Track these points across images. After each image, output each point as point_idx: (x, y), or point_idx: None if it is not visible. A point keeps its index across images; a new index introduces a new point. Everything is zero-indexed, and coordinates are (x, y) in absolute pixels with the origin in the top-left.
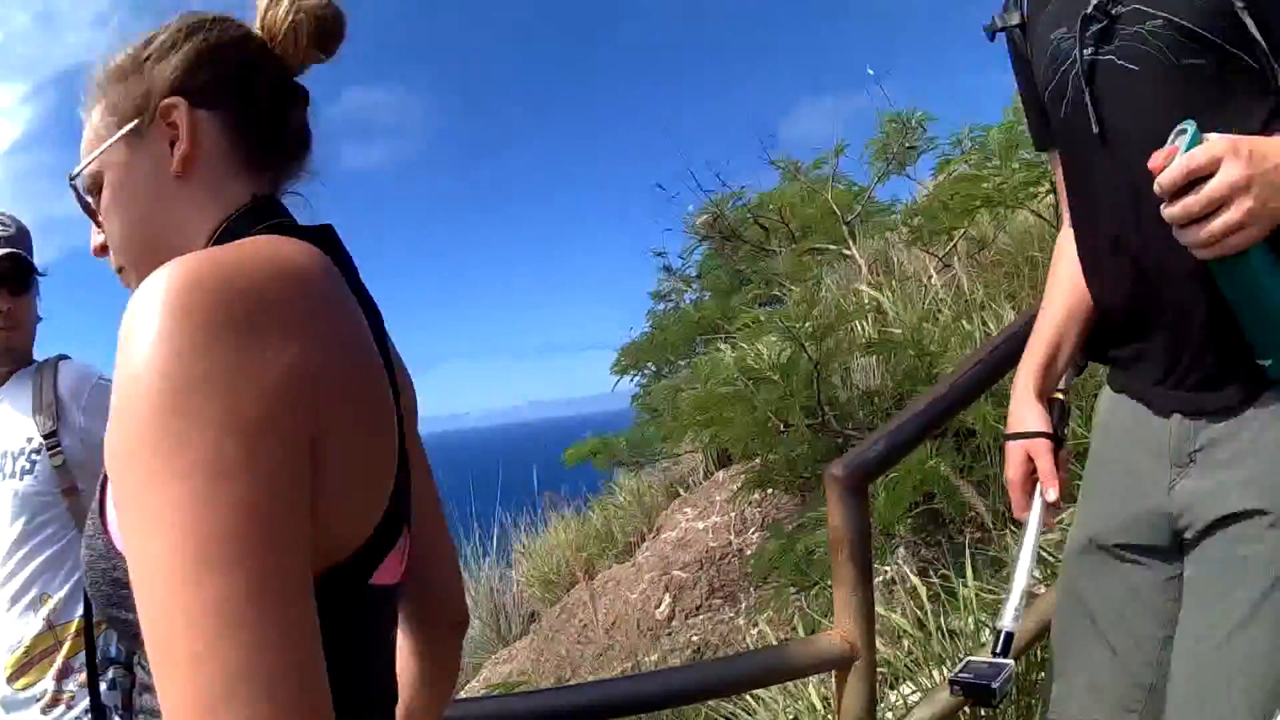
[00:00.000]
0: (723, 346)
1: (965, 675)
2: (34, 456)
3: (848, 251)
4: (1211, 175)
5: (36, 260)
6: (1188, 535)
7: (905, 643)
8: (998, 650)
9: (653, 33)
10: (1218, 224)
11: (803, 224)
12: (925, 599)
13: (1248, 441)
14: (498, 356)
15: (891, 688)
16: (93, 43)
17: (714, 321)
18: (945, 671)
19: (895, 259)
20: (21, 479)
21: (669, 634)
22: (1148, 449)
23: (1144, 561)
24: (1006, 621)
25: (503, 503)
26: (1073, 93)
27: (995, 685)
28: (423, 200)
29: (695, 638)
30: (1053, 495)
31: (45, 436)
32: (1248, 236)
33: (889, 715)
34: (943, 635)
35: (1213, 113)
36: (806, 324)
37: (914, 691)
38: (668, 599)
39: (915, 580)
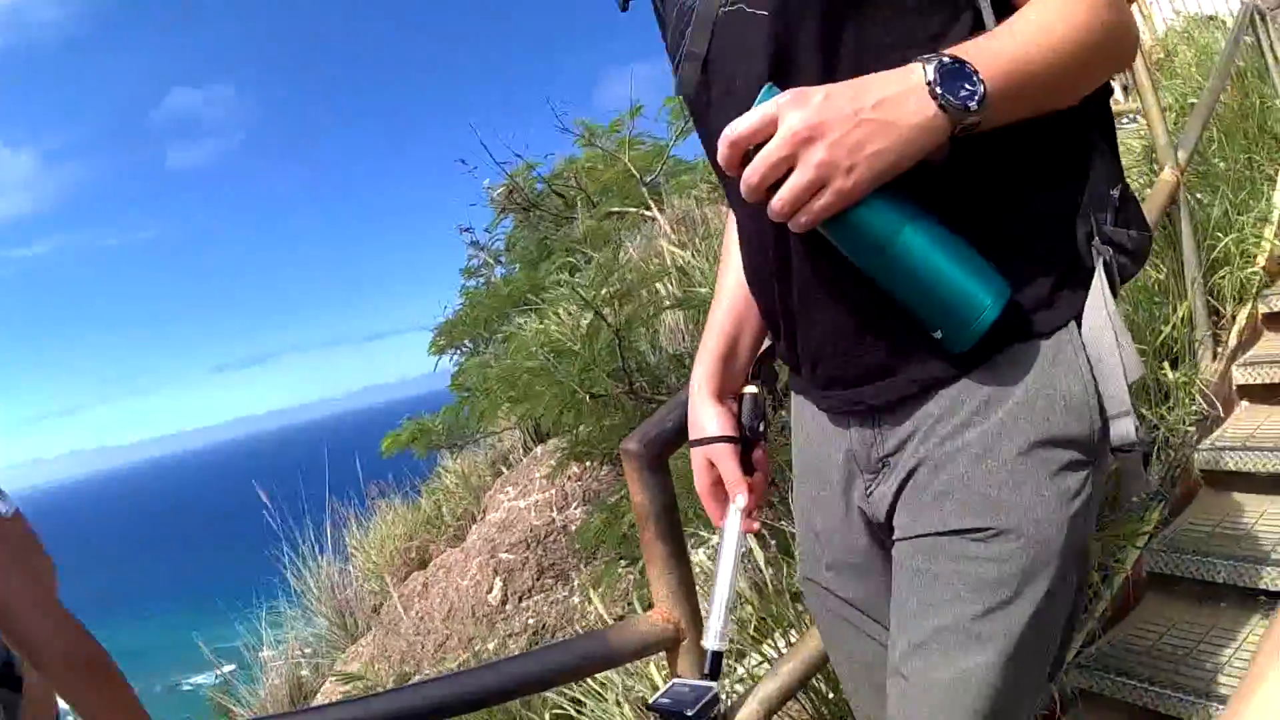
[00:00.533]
0: (524, 321)
1: (664, 701)
2: None
3: (649, 213)
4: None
5: None
6: (891, 544)
7: (747, 609)
8: (706, 672)
9: (463, 19)
10: (785, 190)
11: (602, 188)
12: (763, 563)
13: (937, 443)
14: (331, 347)
15: (738, 660)
16: None
17: (523, 294)
18: (790, 637)
19: (700, 216)
20: None
21: (504, 618)
22: (834, 456)
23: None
24: (710, 641)
25: (334, 495)
26: (689, 51)
27: (691, 713)
28: (246, 198)
29: (531, 620)
30: (742, 502)
31: None
32: (838, 194)
33: (738, 689)
34: (784, 598)
35: (859, 44)
36: (604, 290)
37: (760, 662)
38: (499, 583)
39: (753, 543)
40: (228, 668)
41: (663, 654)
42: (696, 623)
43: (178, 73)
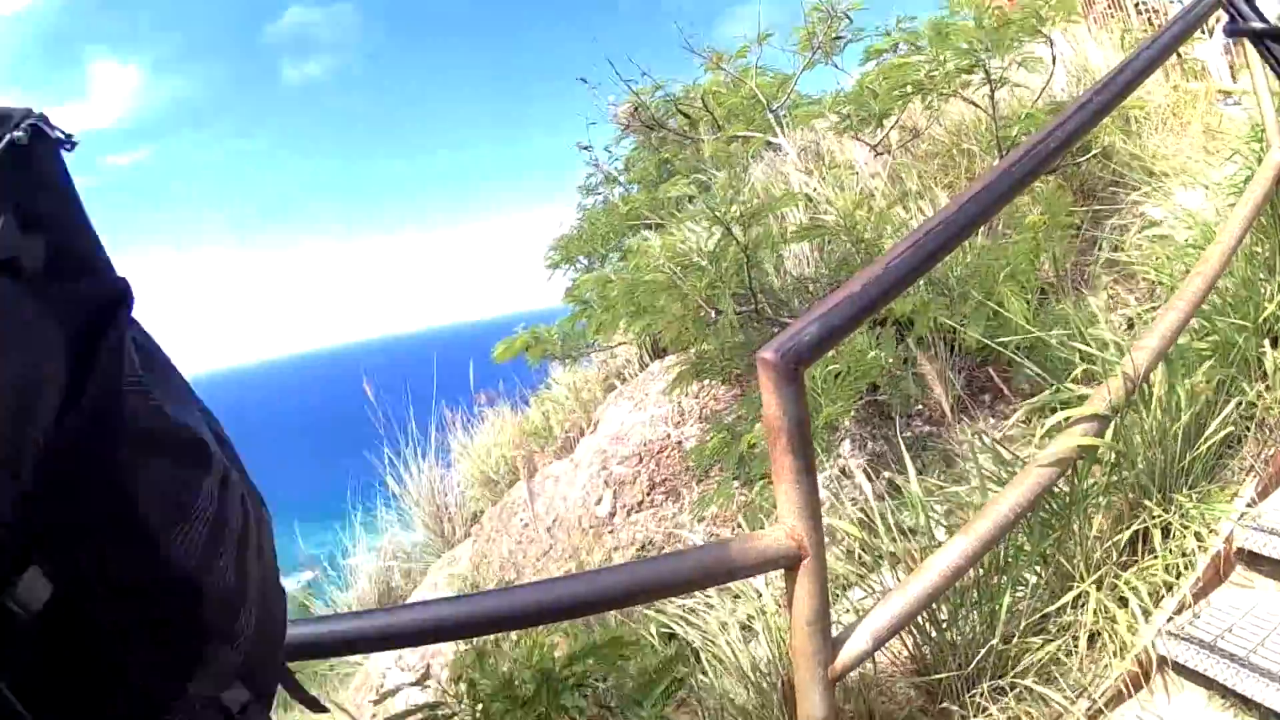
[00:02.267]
0: (650, 235)
1: None
2: None
3: (775, 139)
4: None
5: None
6: None
7: (853, 542)
8: None
9: None
10: None
11: (728, 113)
12: (872, 496)
13: None
14: (440, 264)
15: (844, 590)
16: None
17: (642, 212)
18: (899, 572)
19: (825, 148)
20: None
21: (611, 532)
22: None
23: None
24: None
25: (440, 402)
26: None
27: None
28: (358, 114)
29: (639, 535)
30: None
31: None
32: None
33: (844, 618)
34: (894, 534)
35: None
36: (733, 208)
37: (865, 595)
38: (608, 495)
39: (861, 476)
40: (306, 575)
41: (778, 573)
42: (819, 542)
43: None
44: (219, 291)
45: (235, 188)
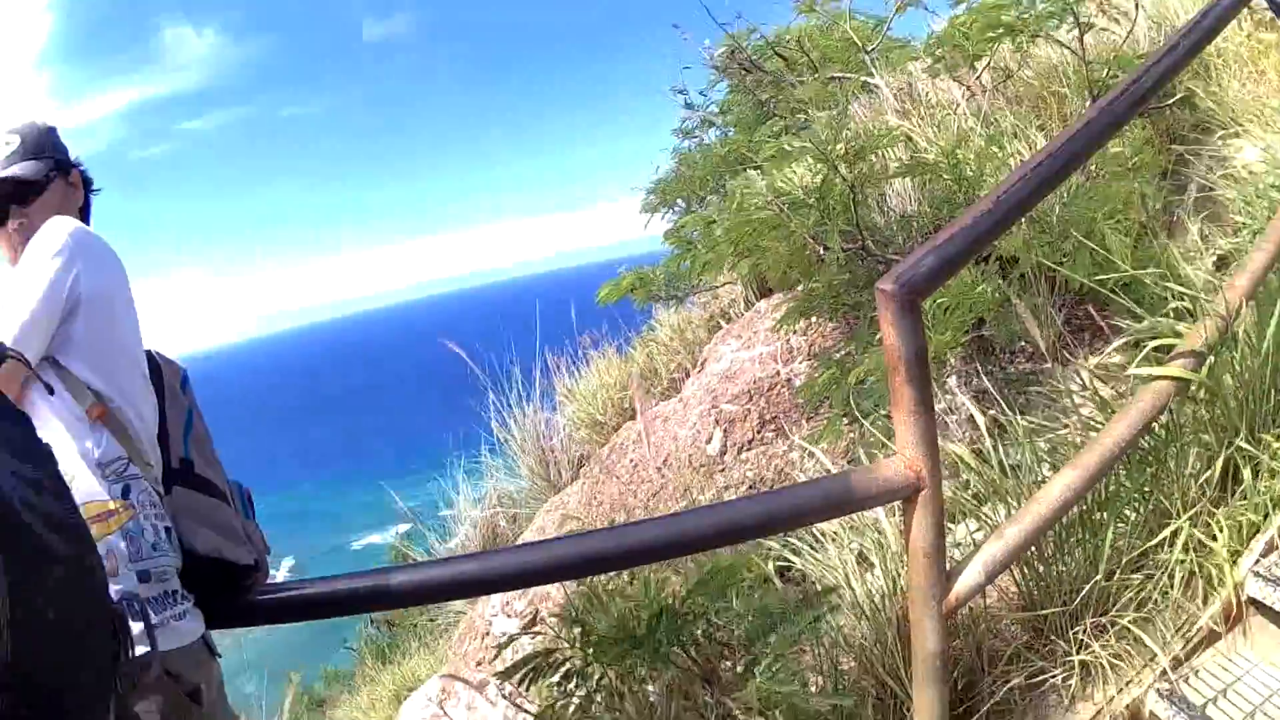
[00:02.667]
0: (752, 173)
1: None
2: None
3: (872, 80)
4: None
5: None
6: None
7: (965, 476)
8: None
9: None
10: None
11: (823, 55)
12: (984, 429)
13: None
14: (531, 212)
15: (953, 523)
16: None
17: (740, 154)
18: (1009, 506)
19: (919, 90)
20: None
21: (722, 470)
22: None
23: None
24: None
25: (545, 347)
26: None
27: None
28: (443, 67)
29: (749, 473)
30: None
31: None
32: None
33: (955, 553)
34: (1004, 469)
35: None
36: (838, 145)
37: (978, 528)
38: (718, 433)
39: (974, 409)
40: (402, 527)
41: (895, 505)
42: (935, 472)
43: None
44: (306, 242)
45: (314, 145)
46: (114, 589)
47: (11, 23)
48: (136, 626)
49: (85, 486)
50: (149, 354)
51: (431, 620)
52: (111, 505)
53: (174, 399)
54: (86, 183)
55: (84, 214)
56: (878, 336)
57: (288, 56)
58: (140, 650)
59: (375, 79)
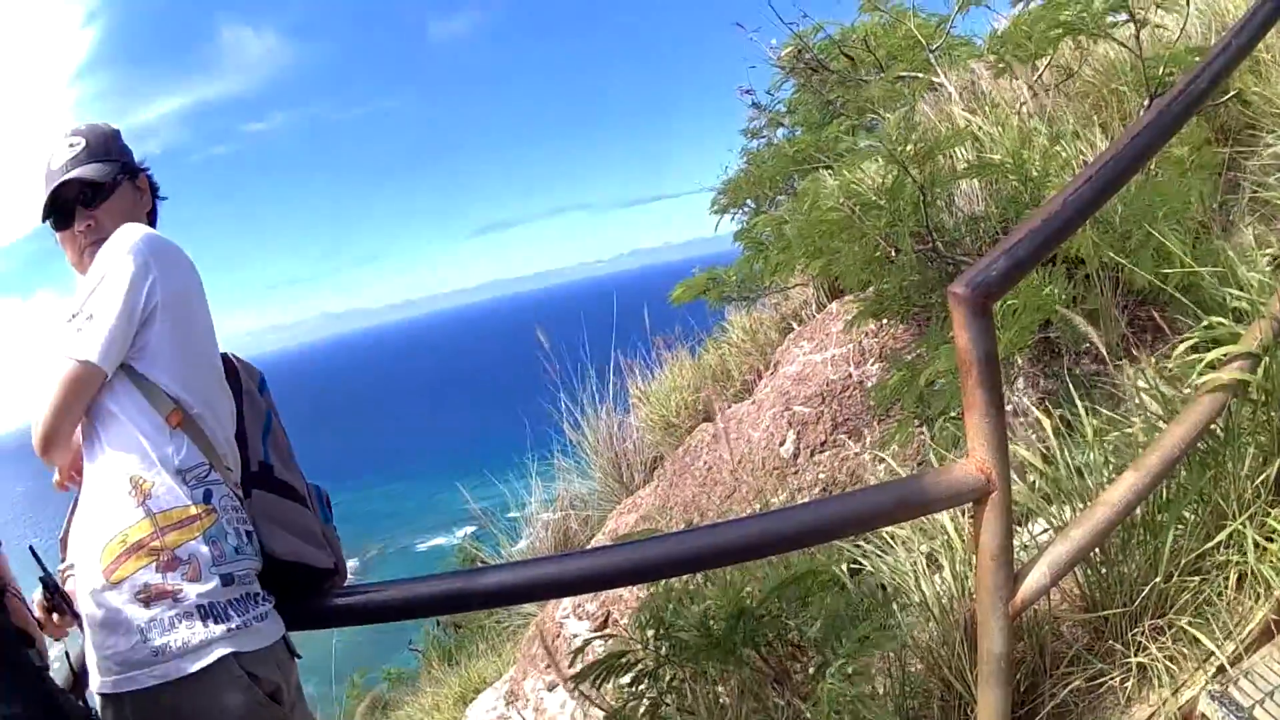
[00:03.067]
0: (824, 175)
1: None
2: None
3: (937, 80)
4: None
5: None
6: None
7: (1031, 477)
8: None
9: None
10: None
11: (887, 54)
12: (1050, 431)
13: None
14: (599, 209)
15: (1020, 525)
16: None
17: (809, 154)
18: (1074, 508)
19: (983, 89)
20: None
21: (795, 472)
22: None
23: None
24: None
25: (617, 349)
26: None
27: None
28: (510, 67)
29: (822, 475)
30: None
31: None
32: None
33: (1021, 555)
34: (1069, 471)
35: None
36: (908, 146)
37: (1044, 530)
38: (792, 435)
39: (1038, 412)
40: (468, 529)
41: (964, 508)
42: (1005, 475)
43: None
44: (374, 241)
45: (378, 146)
46: (197, 591)
47: (45, 43)
48: (219, 629)
49: (167, 493)
50: (226, 356)
51: (499, 623)
52: (194, 510)
53: (252, 402)
54: (154, 188)
55: (151, 219)
56: (948, 337)
57: (350, 57)
58: (221, 652)
59: (438, 79)
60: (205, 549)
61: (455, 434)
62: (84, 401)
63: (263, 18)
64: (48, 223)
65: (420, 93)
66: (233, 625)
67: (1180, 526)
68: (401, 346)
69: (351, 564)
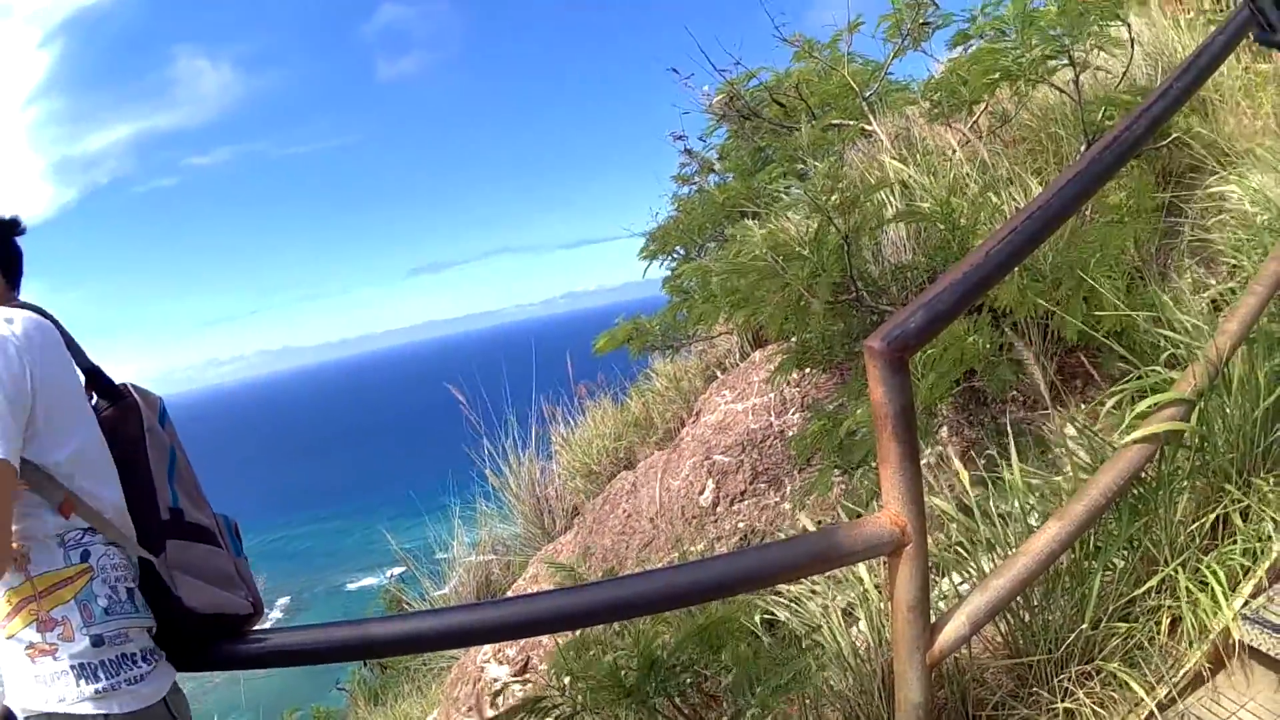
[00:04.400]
0: (750, 223)
1: None
2: None
3: (868, 127)
4: None
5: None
6: None
7: (952, 528)
8: None
9: None
10: None
11: (821, 101)
12: (969, 483)
13: None
14: (534, 251)
15: (940, 575)
16: None
17: (739, 201)
18: (995, 558)
19: (916, 134)
20: None
21: (714, 521)
22: None
23: None
24: None
25: (540, 395)
26: None
27: None
28: (450, 107)
29: (741, 524)
30: None
31: None
32: None
33: (940, 605)
34: (990, 520)
35: None
36: (833, 196)
37: (964, 581)
38: (711, 485)
39: (958, 463)
40: (396, 570)
41: (878, 560)
42: (921, 528)
43: None
44: (309, 280)
45: (321, 184)
46: (70, 652)
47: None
48: (89, 689)
49: (41, 558)
50: (124, 388)
51: (424, 664)
52: (68, 572)
53: (154, 437)
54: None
55: (12, 264)
56: (867, 389)
57: (299, 93)
58: (90, 711)
59: (383, 119)
60: (76, 611)
61: (388, 475)
62: (8, 499)
63: (219, 48)
64: None
65: (364, 132)
66: (99, 687)
67: (1109, 573)
68: (337, 384)
69: (283, 600)
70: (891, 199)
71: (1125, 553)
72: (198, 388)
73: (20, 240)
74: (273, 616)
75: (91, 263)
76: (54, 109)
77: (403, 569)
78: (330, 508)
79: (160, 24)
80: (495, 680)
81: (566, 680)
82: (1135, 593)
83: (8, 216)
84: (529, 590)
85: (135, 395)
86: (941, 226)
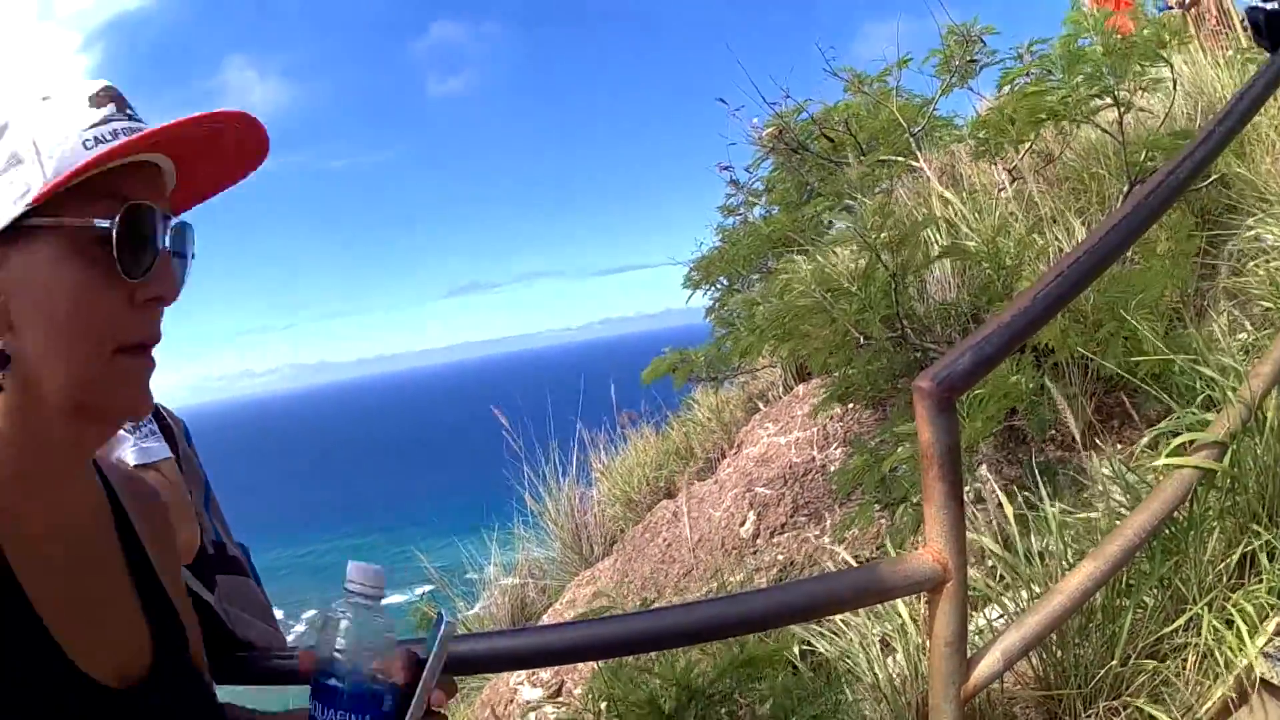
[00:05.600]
0: (797, 258)
1: None
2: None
3: (915, 163)
4: None
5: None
6: None
7: (990, 563)
8: None
9: None
10: None
11: (869, 136)
12: (1011, 519)
13: None
14: (573, 276)
15: (976, 609)
16: None
17: (784, 234)
18: (1032, 594)
19: (962, 171)
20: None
21: (754, 552)
22: None
23: None
24: None
25: (582, 421)
26: None
27: None
28: (498, 128)
29: (780, 556)
30: None
31: None
32: None
33: (976, 639)
34: (1029, 558)
35: None
36: (882, 234)
37: (1000, 615)
38: (752, 516)
39: (1002, 498)
40: (425, 588)
41: (917, 596)
42: (962, 565)
43: (441, 7)
44: (348, 295)
45: (362, 199)
46: None
47: (37, 66)
48: None
49: None
50: (157, 409)
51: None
52: None
53: (189, 465)
54: None
55: None
56: (912, 427)
57: (346, 106)
58: None
59: (430, 137)
60: None
61: (419, 493)
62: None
63: (267, 58)
64: None
65: (409, 149)
66: None
67: (1140, 610)
68: (371, 401)
69: (309, 614)
70: (937, 236)
71: (1156, 591)
72: (230, 397)
73: None
74: (296, 629)
75: None
76: None
77: (432, 587)
78: (360, 523)
79: (207, 31)
80: (528, 703)
81: (603, 705)
82: (1164, 630)
83: None
84: (566, 615)
85: (166, 418)
86: (987, 266)
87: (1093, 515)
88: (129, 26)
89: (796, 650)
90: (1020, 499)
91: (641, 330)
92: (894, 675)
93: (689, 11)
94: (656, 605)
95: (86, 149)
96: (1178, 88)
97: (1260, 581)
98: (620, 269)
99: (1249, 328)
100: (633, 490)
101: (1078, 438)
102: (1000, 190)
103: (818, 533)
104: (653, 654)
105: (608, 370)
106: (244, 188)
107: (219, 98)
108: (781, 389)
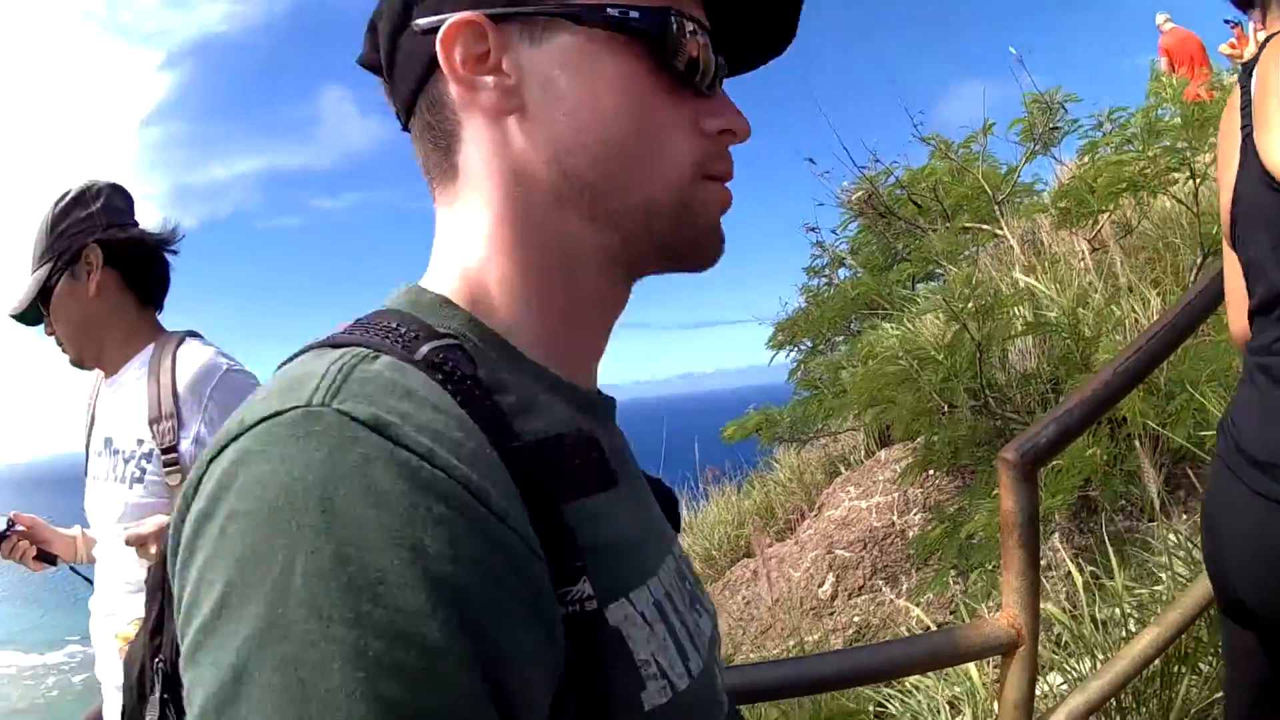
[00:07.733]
0: (884, 324)
1: None
2: (143, 464)
3: (999, 232)
4: None
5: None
6: None
7: (1057, 629)
8: None
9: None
10: None
11: (955, 201)
12: (1080, 587)
13: None
14: (657, 328)
15: (1040, 674)
16: (227, 13)
17: (870, 297)
18: (1096, 661)
19: (1044, 240)
20: (131, 487)
21: (831, 613)
22: None
23: None
24: None
25: (664, 474)
26: None
27: None
28: None
29: (857, 618)
30: None
31: (163, 450)
32: None
33: (1040, 704)
34: (1094, 625)
35: None
36: (969, 304)
37: (1063, 682)
38: (831, 578)
39: (1071, 567)
40: None
41: (987, 659)
42: (1034, 631)
43: None
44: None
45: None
46: None
47: (117, 84)
48: None
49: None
50: None
51: None
52: None
53: None
54: (135, 246)
55: (152, 283)
56: (992, 495)
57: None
58: None
59: None
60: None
61: None
62: None
63: (368, 92)
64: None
65: None
66: None
67: (1195, 677)
68: None
69: None
70: (1020, 308)
71: (1211, 659)
72: None
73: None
74: None
75: (206, 291)
76: (171, 134)
77: None
78: None
79: (295, 59)
80: None
81: None
82: (1215, 695)
83: (159, 230)
84: None
85: None
86: (1067, 338)
87: (1157, 586)
88: (216, 49)
89: (871, 710)
90: (1090, 570)
91: (719, 386)
92: None
93: (781, 64)
94: (736, 662)
95: None
96: None
97: None
98: (701, 324)
99: None
100: (713, 547)
101: (1158, 507)
102: (1080, 260)
103: (894, 595)
104: None
105: (687, 423)
106: (326, 221)
107: (312, 126)
108: (863, 453)
